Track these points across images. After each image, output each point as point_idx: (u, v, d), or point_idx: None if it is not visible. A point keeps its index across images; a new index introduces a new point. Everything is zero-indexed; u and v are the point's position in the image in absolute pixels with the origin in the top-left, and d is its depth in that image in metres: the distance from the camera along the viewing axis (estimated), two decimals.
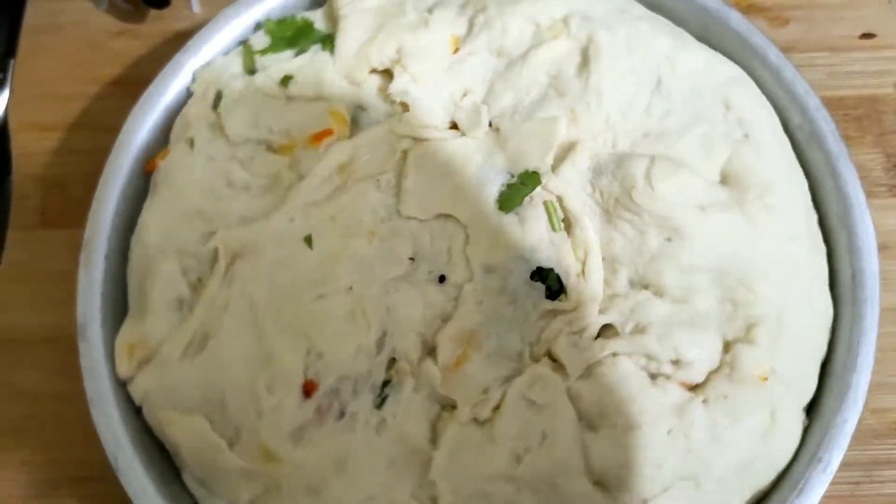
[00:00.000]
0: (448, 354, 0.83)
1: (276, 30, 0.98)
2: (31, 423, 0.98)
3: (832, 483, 0.82)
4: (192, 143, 0.93)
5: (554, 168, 0.89)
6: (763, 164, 0.89)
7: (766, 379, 0.82)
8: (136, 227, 0.92)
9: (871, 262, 0.88)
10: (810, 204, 0.91)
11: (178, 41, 1.02)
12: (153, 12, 1.15)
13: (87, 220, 0.91)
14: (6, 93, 1.09)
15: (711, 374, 0.82)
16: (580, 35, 0.93)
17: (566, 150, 0.89)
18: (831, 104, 0.98)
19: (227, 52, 1.00)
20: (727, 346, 0.83)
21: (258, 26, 1.00)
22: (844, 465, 0.83)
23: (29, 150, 1.09)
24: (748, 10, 1.13)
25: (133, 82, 1.04)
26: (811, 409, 0.87)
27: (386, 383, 0.83)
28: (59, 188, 1.07)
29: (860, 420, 0.84)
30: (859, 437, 0.84)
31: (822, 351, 0.87)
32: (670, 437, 0.80)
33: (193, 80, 0.98)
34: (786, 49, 0.97)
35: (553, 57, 0.93)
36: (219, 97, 0.95)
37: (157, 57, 1.06)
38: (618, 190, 0.86)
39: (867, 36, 1.11)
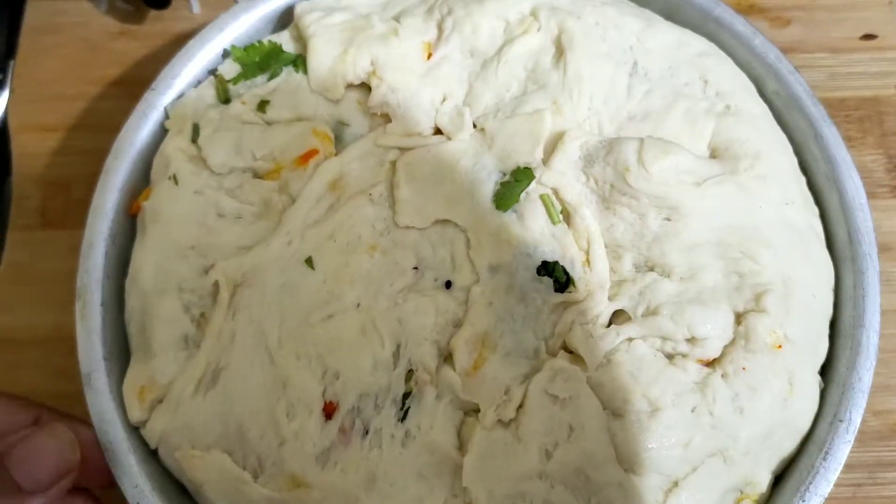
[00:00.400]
0: (465, 359, 0.82)
1: (244, 56, 0.97)
2: None
3: (834, 485, 0.82)
4: (175, 179, 0.92)
5: (545, 161, 0.89)
6: (749, 134, 0.90)
7: (780, 346, 0.83)
8: (129, 270, 0.91)
9: (864, 219, 0.90)
10: (798, 168, 0.93)
11: (178, 42, 1.04)
12: (153, 13, 1.15)
13: (78, 268, 0.89)
14: (6, 93, 1.09)
15: (727, 348, 0.83)
16: (550, 26, 0.94)
17: (554, 142, 0.89)
18: (832, 105, 1.00)
19: (196, 84, 0.98)
20: (739, 318, 0.84)
21: (226, 54, 0.99)
22: (847, 467, 0.83)
23: (29, 150, 1.09)
24: (749, 11, 1.13)
25: (134, 83, 1.06)
26: (824, 370, 0.88)
27: (407, 395, 0.82)
28: (59, 189, 1.07)
29: (863, 421, 0.84)
30: (862, 438, 0.84)
31: (829, 312, 0.89)
32: (695, 415, 0.80)
33: (166, 116, 0.97)
34: (787, 50, 0.98)
35: (527, 51, 0.94)
36: (196, 130, 0.94)
37: (158, 57, 1.07)
38: (612, 175, 0.86)
39: (868, 37, 1.12)
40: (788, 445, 0.85)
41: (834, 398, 0.85)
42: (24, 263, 1.04)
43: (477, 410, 0.82)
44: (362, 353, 0.83)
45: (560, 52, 0.93)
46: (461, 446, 0.81)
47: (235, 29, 0.99)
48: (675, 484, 0.80)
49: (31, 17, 1.15)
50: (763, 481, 0.83)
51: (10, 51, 1.11)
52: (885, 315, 0.87)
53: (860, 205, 0.90)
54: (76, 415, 0.86)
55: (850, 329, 0.87)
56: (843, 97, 1.10)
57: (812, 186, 0.93)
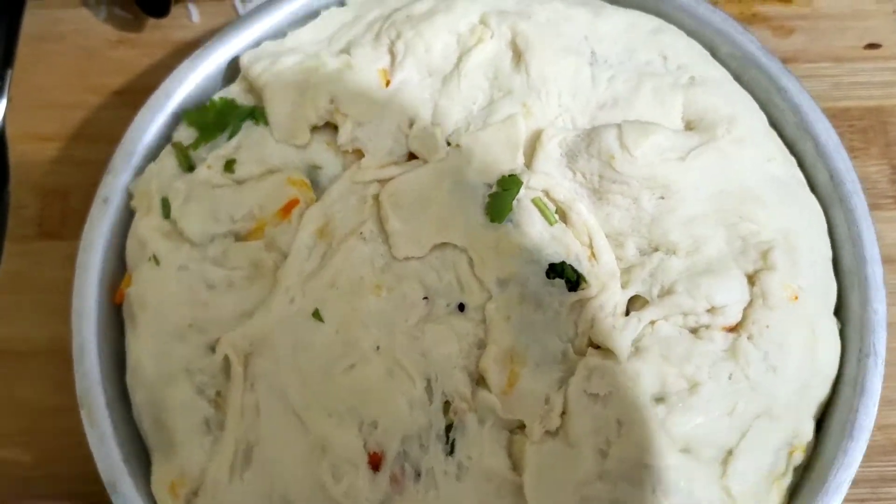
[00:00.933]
0: (498, 378, 0.81)
1: (198, 119, 0.94)
2: (31, 436, 0.97)
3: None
4: (155, 259, 0.88)
5: (528, 165, 0.88)
6: (718, 101, 0.91)
7: (796, 297, 0.84)
8: (128, 365, 0.87)
9: (842, 158, 0.92)
10: (768, 123, 0.94)
11: (177, 50, 1.09)
12: (152, 21, 1.15)
13: (75, 376, 0.85)
14: (4, 102, 1.08)
15: (747, 310, 0.84)
16: (503, 31, 0.94)
17: (533, 145, 0.89)
18: (836, 115, 0.99)
19: (155, 157, 0.95)
20: (752, 279, 0.85)
21: (179, 119, 0.96)
22: (850, 483, 0.83)
23: (27, 159, 1.08)
24: (752, 20, 1.12)
25: (133, 91, 1.08)
26: (837, 312, 0.89)
27: (449, 427, 0.81)
28: (57, 198, 1.07)
29: None
30: (866, 453, 0.83)
31: (829, 254, 0.90)
32: (732, 383, 0.81)
33: (130, 196, 0.93)
34: (790, 59, 0.98)
35: (485, 60, 0.93)
36: (166, 204, 0.91)
37: (157, 66, 1.11)
38: (598, 166, 0.87)
39: (872, 46, 1.11)
40: (823, 391, 0.86)
41: (854, 335, 0.87)
42: (22, 273, 1.03)
43: (522, 426, 0.81)
44: (395, 395, 0.81)
45: (518, 54, 0.92)
46: (515, 466, 0.80)
47: (183, 91, 0.96)
48: (730, 453, 0.81)
49: (30, 24, 1.13)
50: (808, 430, 0.85)
51: (8, 59, 1.10)
52: (892, 328, 0.87)
53: (836, 145, 0.92)
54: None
55: (854, 267, 0.89)
56: (847, 107, 1.09)
57: (784, 138, 0.95)
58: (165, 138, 0.96)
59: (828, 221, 0.92)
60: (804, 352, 0.84)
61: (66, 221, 1.05)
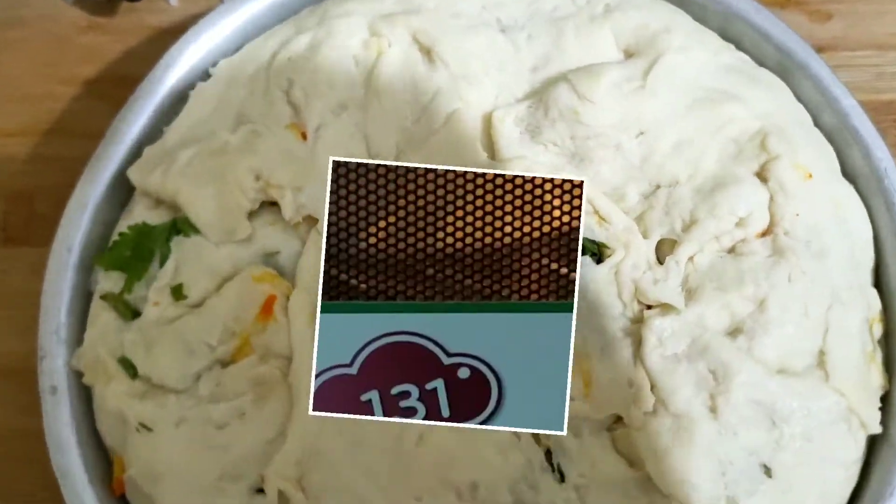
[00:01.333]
0: (574, 384, 0.76)
1: (115, 259, 0.85)
2: None
3: None
4: (145, 427, 0.79)
5: (492, 157, 0.85)
6: (644, 18, 0.90)
7: (810, 175, 0.84)
8: None
9: (782, 31, 0.91)
10: (695, 21, 0.93)
11: (153, 36, 1.07)
12: (125, 4, 1.10)
13: None
14: None
15: (771, 208, 0.83)
16: (399, 34, 0.89)
17: (488, 132, 0.85)
18: (879, 108, 0.95)
19: (81, 325, 0.85)
20: (762, 177, 0.84)
21: (91, 270, 0.86)
22: None
23: None
24: (786, 4, 1.05)
25: (105, 80, 1.07)
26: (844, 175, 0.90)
27: (548, 454, 0.76)
28: (23, 201, 1.03)
29: None
30: None
31: (808, 119, 0.90)
32: (793, 284, 0.80)
33: (79, 374, 0.83)
34: (828, 48, 0.94)
35: (396, 70, 0.88)
36: (127, 364, 0.81)
37: (131, 53, 1.08)
38: (565, 128, 0.84)
39: None
40: (869, 255, 0.86)
41: (873, 190, 0.87)
42: None
43: (619, 419, 0.77)
44: (480, 448, 0.75)
45: (427, 51, 0.88)
46: (631, 462, 0.77)
47: (83, 238, 0.86)
48: (822, 354, 0.79)
49: None
50: (875, 298, 0.85)
51: None
52: None
53: (771, 21, 0.92)
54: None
55: (839, 123, 0.89)
56: (891, 99, 1.03)
57: (713, 29, 0.94)
58: (85, 296, 0.87)
59: (793, 90, 0.91)
60: (837, 224, 0.84)
61: (31, 226, 1.01)
